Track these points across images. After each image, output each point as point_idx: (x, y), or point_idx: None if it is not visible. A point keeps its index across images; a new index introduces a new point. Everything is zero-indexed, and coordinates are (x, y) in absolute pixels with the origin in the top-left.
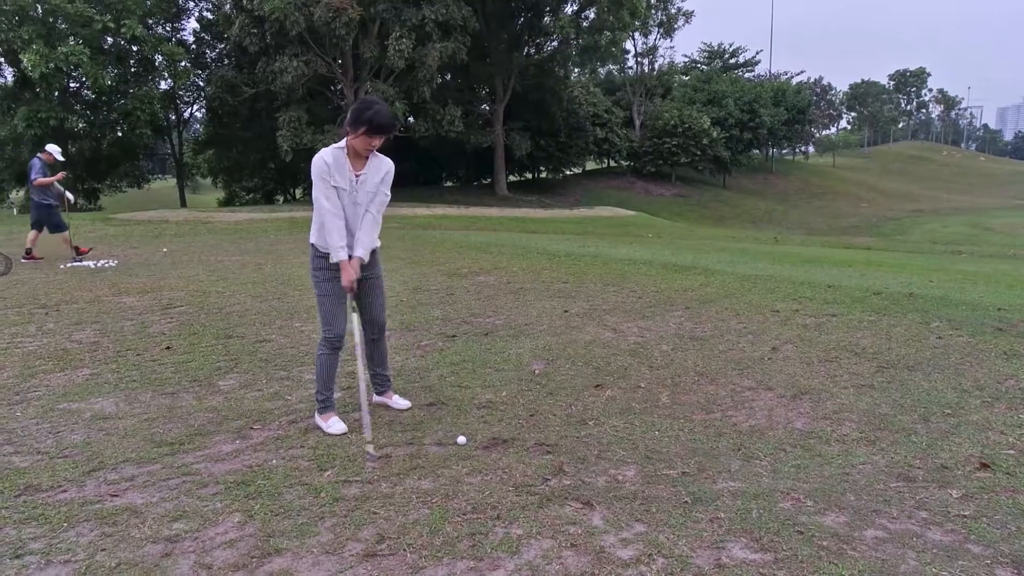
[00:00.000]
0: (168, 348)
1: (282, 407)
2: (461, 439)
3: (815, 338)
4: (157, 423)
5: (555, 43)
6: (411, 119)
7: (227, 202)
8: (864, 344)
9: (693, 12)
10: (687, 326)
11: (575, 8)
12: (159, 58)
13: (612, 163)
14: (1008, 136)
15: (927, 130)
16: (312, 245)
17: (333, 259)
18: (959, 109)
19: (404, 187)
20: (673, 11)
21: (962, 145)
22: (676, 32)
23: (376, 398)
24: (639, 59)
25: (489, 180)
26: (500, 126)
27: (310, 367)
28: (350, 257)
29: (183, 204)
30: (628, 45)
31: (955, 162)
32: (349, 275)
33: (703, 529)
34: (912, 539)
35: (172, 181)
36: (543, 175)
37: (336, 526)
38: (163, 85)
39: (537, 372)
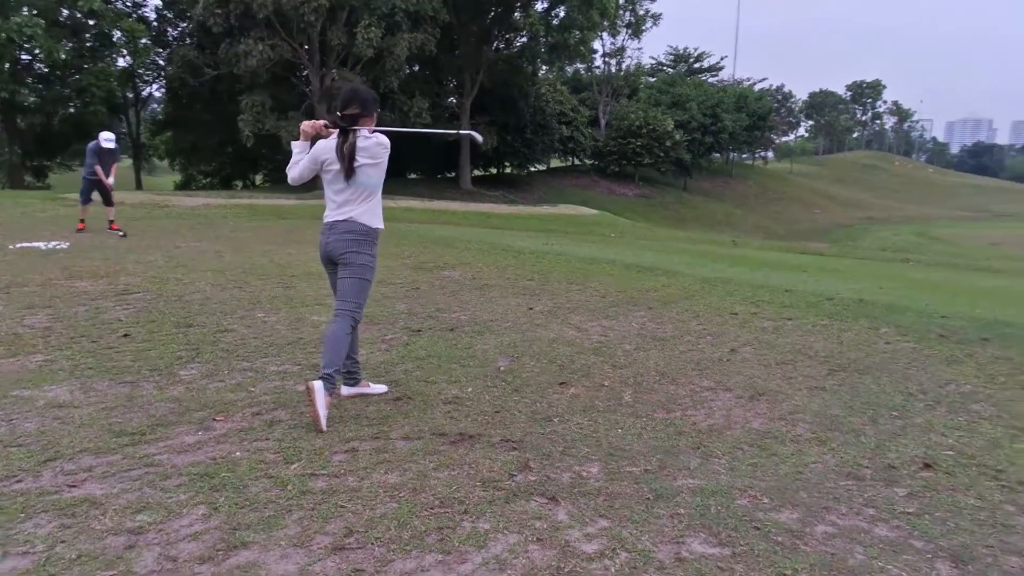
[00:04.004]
0: (126, 335)
1: (246, 399)
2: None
3: (772, 341)
4: (116, 412)
5: (524, 39)
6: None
7: (183, 185)
8: (817, 348)
9: (661, 15)
10: (649, 326)
11: (545, 5)
12: (117, 34)
13: (577, 161)
14: (955, 149)
15: (881, 140)
16: (378, 230)
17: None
18: (911, 121)
19: None
20: (642, 12)
21: (913, 156)
22: (644, 34)
23: (348, 391)
24: (606, 59)
25: (454, 174)
26: (467, 120)
27: (274, 358)
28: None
29: (138, 186)
30: (596, 45)
31: (906, 172)
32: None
33: (664, 524)
34: (860, 534)
35: (127, 162)
36: (508, 171)
37: (303, 519)
38: (121, 62)
39: (502, 369)
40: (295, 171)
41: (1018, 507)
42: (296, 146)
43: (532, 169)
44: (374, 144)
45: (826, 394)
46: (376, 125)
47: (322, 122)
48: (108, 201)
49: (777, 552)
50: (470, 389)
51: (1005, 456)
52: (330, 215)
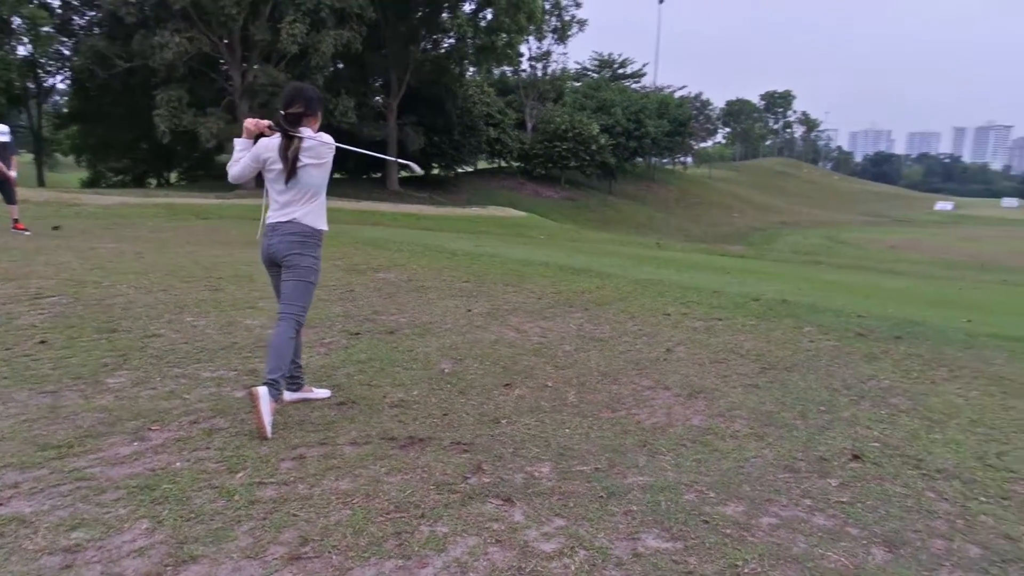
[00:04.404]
0: (43, 342)
1: (181, 407)
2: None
3: (704, 340)
4: (39, 424)
5: (452, 40)
6: None
7: (92, 183)
8: (748, 347)
9: (587, 21)
10: (587, 327)
11: (473, 7)
12: (17, 20)
13: (503, 164)
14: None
15: (791, 148)
16: (322, 232)
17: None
18: (818, 131)
19: None
20: (567, 18)
21: (820, 164)
22: (570, 39)
23: (290, 396)
24: (533, 63)
25: (380, 174)
26: (394, 120)
27: (207, 364)
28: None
29: (41, 183)
30: (523, 49)
31: (814, 179)
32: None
33: (619, 521)
34: (801, 524)
35: (28, 156)
36: (435, 172)
37: (255, 529)
38: (22, 51)
39: (447, 371)
40: (236, 169)
41: (938, 494)
42: (239, 143)
43: (460, 170)
44: (319, 144)
45: (759, 391)
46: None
47: (266, 122)
48: (10, 198)
49: (727, 544)
50: (416, 392)
51: (923, 446)
52: (273, 216)
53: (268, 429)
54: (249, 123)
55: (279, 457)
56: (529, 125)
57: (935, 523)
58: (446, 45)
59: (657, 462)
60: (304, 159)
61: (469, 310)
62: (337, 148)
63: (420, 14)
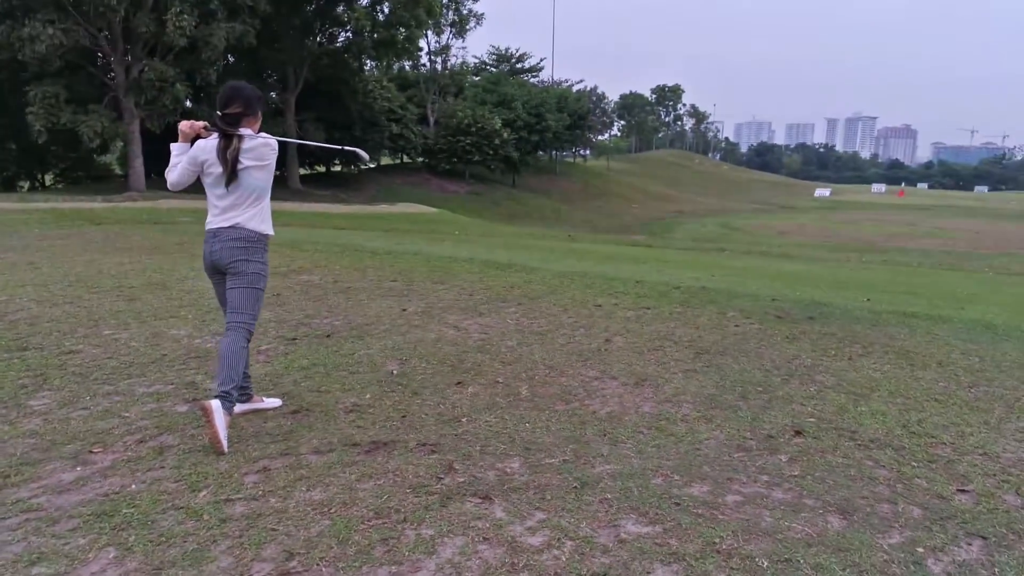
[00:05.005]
0: None
1: (121, 426)
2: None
3: (638, 329)
4: None
5: (349, 34)
6: (189, 103)
7: None
8: (679, 334)
9: (484, 15)
10: (524, 321)
11: (369, 0)
12: None
13: (407, 159)
14: (744, 148)
15: (682, 140)
16: (268, 236)
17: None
18: (707, 123)
19: None
20: (465, 12)
21: (709, 155)
22: (468, 33)
23: (240, 407)
24: (432, 57)
25: (280, 172)
26: (292, 116)
27: (140, 379)
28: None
29: None
30: (422, 43)
31: (705, 170)
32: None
33: (596, 510)
34: (762, 499)
35: None
36: (337, 169)
37: (233, 548)
38: None
39: (395, 373)
40: (174, 175)
41: (875, 462)
42: (175, 148)
43: (362, 167)
44: (260, 144)
45: (699, 376)
46: (195, 120)
47: (201, 123)
48: None
49: (700, 524)
50: (368, 396)
51: (853, 419)
52: (213, 221)
53: (224, 443)
54: (184, 125)
55: (241, 471)
56: (431, 120)
57: (878, 489)
58: (343, 39)
59: (620, 450)
60: (245, 161)
61: (404, 309)
62: (281, 144)
63: (314, 7)
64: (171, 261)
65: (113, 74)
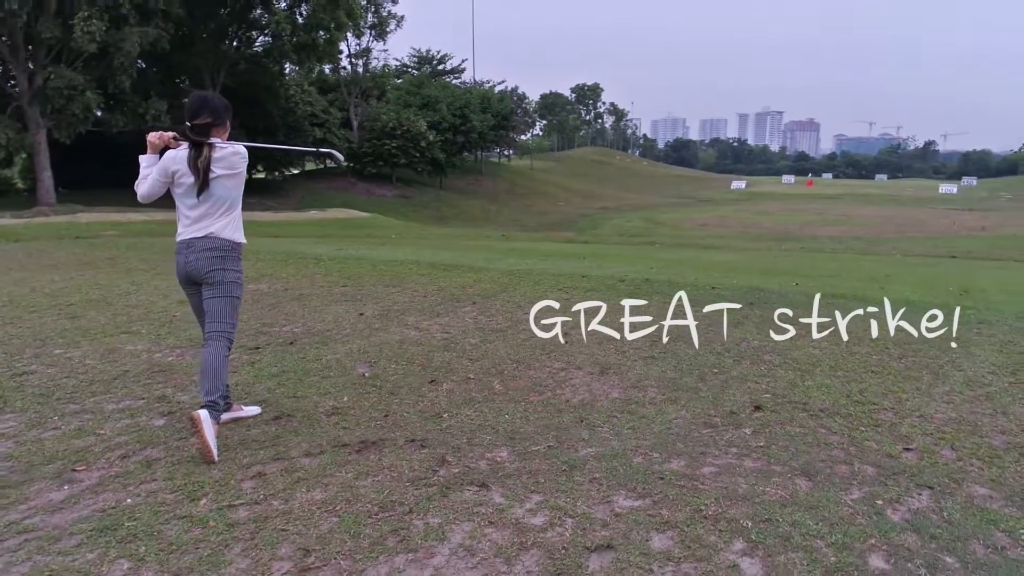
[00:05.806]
0: None
1: (99, 443)
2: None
3: None
4: None
5: (268, 38)
6: (100, 112)
7: None
8: None
9: (404, 17)
10: (482, 320)
11: (288, 2)
12: None
13: (332, 164)
14: (661, 144)
15: (603, 138)
16: (242, 245)
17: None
18: (626, 120)
19: (100, 189)
20: (384, 14)
21: (629, 151)
22: (388, 35)
23: (222, 416)
24: (353, 60)
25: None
26: None
27: (106, 396)
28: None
29: None
30: (342, 46)
31: (626, 166)
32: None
33: (589, 489)
34: (736, 469)
35: None
36: (261, 176)
37: (248, 550)
38: None
39: (367, 375)
40: (144, 187)
41: (828, 429)
42: (144, 160)
43: (287, 173)
44: (230, 153)
45: (658, 362)
46: (107, 129)
47: (170, 134)
48: None
49: (686, 495)
50: (346, 398)
51: (803, 392)
52: (185, 232)
53: (215, 452)
54: (152, 136)
55: (237, 478)
56: (355, 124)
57: (834, 452)
58: (260, 43)
59: (598, 434)
60: (216, 170)
61: (361, 313)
62: (251, 151)
63: (229, 10)
64: (106, 277)
65: (14, 82)
